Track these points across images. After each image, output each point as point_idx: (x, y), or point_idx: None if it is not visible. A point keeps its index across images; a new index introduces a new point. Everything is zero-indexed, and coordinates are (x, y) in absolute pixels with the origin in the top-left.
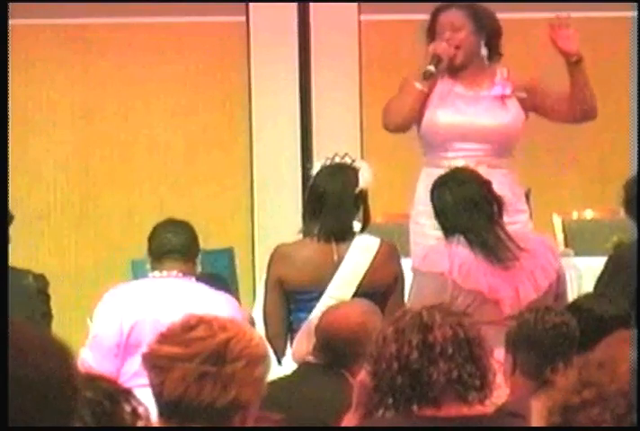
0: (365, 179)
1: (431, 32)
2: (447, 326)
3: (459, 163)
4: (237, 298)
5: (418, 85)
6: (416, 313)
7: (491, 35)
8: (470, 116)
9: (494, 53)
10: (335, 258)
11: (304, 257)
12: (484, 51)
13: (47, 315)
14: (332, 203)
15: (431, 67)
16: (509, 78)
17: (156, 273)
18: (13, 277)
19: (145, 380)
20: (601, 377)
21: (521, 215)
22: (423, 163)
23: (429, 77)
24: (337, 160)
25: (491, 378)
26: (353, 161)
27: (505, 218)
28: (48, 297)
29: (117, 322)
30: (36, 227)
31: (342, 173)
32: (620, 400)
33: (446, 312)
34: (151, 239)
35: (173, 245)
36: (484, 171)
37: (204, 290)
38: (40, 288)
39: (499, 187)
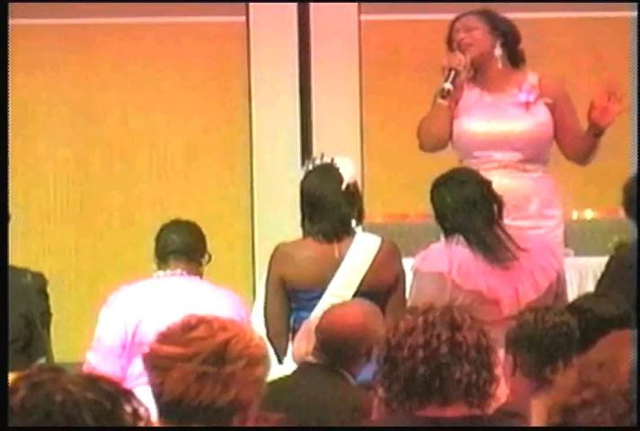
0: (349, 173)
1: (450, 43)
2: (474, 329)
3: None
4: None
5: (443, 102)
6: (446, 309)
7: (508, 38)
8: (494, 124)
9: (516, 58)
10: (337, 255)
11: (305, 256)
12: (498, 51)
13: (46, 314)
14: (326, 205)
15: (447, 85)
16: (539, 84)
17: (160, 273)
18: (12, 275)
19: None
20: (601, 377)
21: (549, 221)
22: None
23: (446, 95)
24: (318, 162)
25: (495, 388)
26: (332, 159)
27: (529, 223)
28: (46, 296)
29: (121, 323)
30: (36, 227)
31: (328, 174)
32: (620, 400)
33: (471, 316)
34: (157, 239)
35: (177, 245)
36: (511, 175)
37: (207, 288)
38: (38, 287)
39: (526, 192)
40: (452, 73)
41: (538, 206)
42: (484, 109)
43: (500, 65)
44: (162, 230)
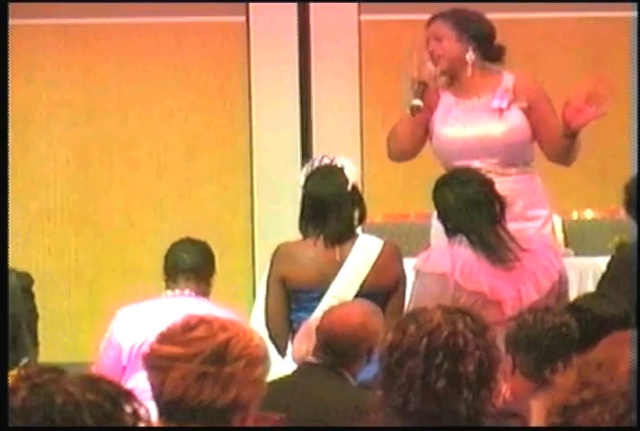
0: (352, 174)
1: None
2: (477, 352)
3: None
4: None
5: (412, 118)
6: (451, 332)
7: (479, 40)
8: (468, 131)
9: (494, 55)
10: (338, 257)
11: (307, 256)
12: (471, 57)
13: (32, 312)
14: (332, 208)
15: (417, 101)
16: (514, 87)
17: (169, 292)
18: None
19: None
20: (601, 377)
21: (533, 222)
22: None
23: (417, 112)
24: (317, 164)
25: (492, 400)
26: (333, 160)
27: (513, 225)
28: (32, 295)
29: (127, 341)
30: (36, 227)
31: (332, 175)
32: (620, 400)
33: (476, 332)
34: (167, 257)
35: (187, 264)
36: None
37: (212, 309)
38: (23, 286)
39: (510, 195)
40: (421, 87)
41: (522, 207)
42: (459, 116)
43: (469, 73)
44: (172, 248)
